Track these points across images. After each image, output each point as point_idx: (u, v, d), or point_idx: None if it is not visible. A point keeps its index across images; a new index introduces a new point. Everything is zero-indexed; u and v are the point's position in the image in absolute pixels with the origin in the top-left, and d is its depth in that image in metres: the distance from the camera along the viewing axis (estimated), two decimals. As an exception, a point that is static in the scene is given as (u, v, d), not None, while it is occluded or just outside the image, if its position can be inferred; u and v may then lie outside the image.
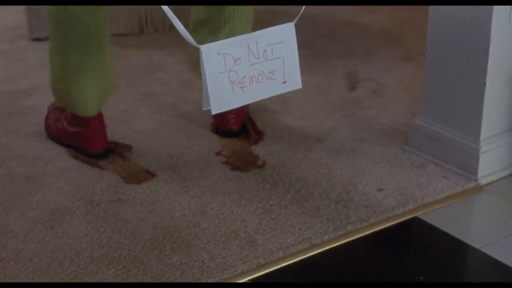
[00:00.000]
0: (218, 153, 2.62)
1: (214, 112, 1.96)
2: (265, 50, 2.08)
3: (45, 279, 2.01)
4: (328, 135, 2.73)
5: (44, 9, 3.63)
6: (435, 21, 2.48)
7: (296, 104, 2.97)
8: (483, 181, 2.46)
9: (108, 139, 2.64)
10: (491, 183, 2.48)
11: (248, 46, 2.03)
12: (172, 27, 3.75)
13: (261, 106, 2.88)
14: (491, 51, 2.37)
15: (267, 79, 2.07)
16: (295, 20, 2.04)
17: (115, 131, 2.77)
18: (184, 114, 2.91)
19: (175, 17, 1.87)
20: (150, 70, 3.32)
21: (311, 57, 3.41)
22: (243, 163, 2.54)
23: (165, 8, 1.89)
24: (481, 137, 2.45)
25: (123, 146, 2.65)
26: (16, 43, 3.67)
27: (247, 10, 2.55)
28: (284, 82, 2.10)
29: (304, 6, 2.08)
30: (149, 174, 2.49)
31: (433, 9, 2.48)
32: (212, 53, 1.97)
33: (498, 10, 2.33)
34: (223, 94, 1.98)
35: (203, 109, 1.94)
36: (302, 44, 3.49)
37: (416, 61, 3.37)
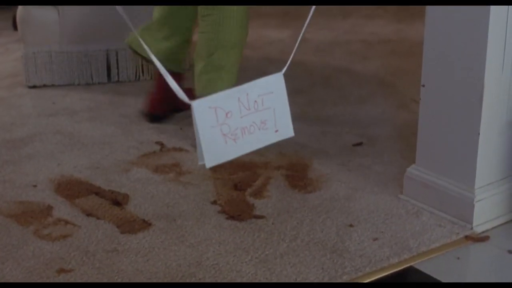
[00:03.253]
0: (214, 202, 2.63)
1: (208, 166, 1.97)
2: (255, 101, 2.10)
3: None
4: (323, 183, 2.75)
5: (40, 56, 3.66)
6: (429, 70, 2.51)
7: (290, 152, 2.98)
8: (478, 230, 2.47)
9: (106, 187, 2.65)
10: (486, 231, 2.48)
11: (238, 98, 2.04)
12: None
13: (255, 152, 2.89)
14: (484, 101, 2.39)
15: (259, 129, 2.08)
16: (284, 69, 2.06)
17: (111, 180, 2.78)
18: (179, 162, 2.92)
19: (167, 73, 1.89)
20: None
21: (306, 104, 3.44)
22: (239, 212, 2.55)
23: (158, 64, 1.91)
24: (476, 186, 2.46)
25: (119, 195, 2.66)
26: (13, 90, 3.69)
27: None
28: (276, 131, 2.10)
29: (290, 59, 2.09)
30: (145, 224, 2.50)
31: (426, 56, 2.51)
32: (204, 108, 1.98)
33: (492, 61, 2.36)
34: (217, 148, 1.99)
35: (199, 163, 1.95)
36: (297, 92, 3.54)
37: (409, 108, 3.39)
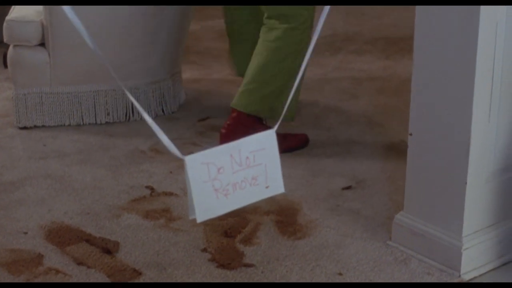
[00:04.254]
0: (204, 250, 2.64)
1: (199, 220, 1.99)
2: (247, 157, 2.12)
3: None
4: (312, 229, 2.77)
5: (31, 98, 3.68)
6: (416, 119, 2.54)
7: (280, 196, 3.00)
8: (465, 277, 2.49)
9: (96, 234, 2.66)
10: (474, 278, 2.51)
11: (231, 154, 2.06)
12: (157, 114, 3.81)
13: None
14: (471, 150, 2.42)
15: (250, 185, 2.10)
16: (276, 126, 2.09)
17: (102, 227, 2.80)
18: (170, 207, 2.94)
19: (159, 129, 1.91)
20: (135, 160, 3.36)
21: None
22: (229, 261, 2.56)
23: (149, 120, 1.93)
24: (463, 234, 2.49)
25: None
26: (3, 131, 3.70)
27: None
28: (267, 187, 2.13)
29: (281, 116, 2.10)
30: (136, 273, 2.51)
31: (414, 105, 2.54)
32: (197, 163, 2.00)
33: (478, 110, 2.39)
34: (208, 203, 2.01)
35: (190, 217, 1.97)
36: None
37: (398, 149, 3.42)
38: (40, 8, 3.72)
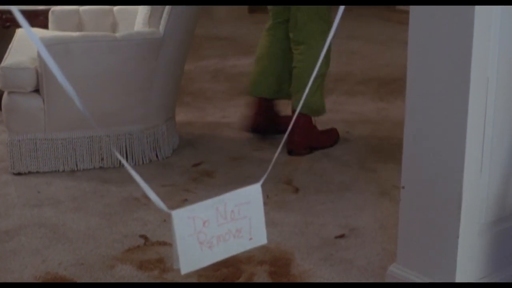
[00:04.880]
0: (198, 302, 2.65)
1: (183, 272, 2.00)
2: (232, 211, 2.14)
3: None
4: (306, 279, 2.78)
5: (25, 144, 3.69)
6: (408, 172, 2.56)
7: (273, 245, 3.02)
8: (459, 329, 2.50)
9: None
10: (467, 330, 2.51)
11: (217, 208, 2.09)
12: (151, 160, 3.83)
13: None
14: (463, 203, 2.43)
15: (234, 237, 2.12)
16: (261, 181, 2.11)
17: (95, 278, 2.80)
18: (164, 257, 2.94)
19: (145, 184, 1.92)
20: (129, 208, 3.37)
21: (289, 192, 3.48)
22: (223, 314, 2.57)
23: (133, 173, 1.93)
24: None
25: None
26: (-3, 177, 3.72)
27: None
28: (250, 239, 2.15)
29: (268, 170, 2.12)
30: (130, 327, 2.51)
31: (406, 159, 2.56)
32: (183, 217, 2.02)
33: (470, 163, 2.41)
34: (193, 255, 2.03)
35: (174, 267, 1.99)
36: (281, 180, 3.59)
37: (391, 195, 3.44)
38: (34, 55, 3.75)
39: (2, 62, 3.75)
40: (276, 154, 2.13)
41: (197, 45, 5.22)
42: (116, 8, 4.28)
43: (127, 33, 3.72)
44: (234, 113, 4.58)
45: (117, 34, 3.68)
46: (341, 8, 2.13)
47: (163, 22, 3.69)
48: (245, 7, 7.25)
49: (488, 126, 2.45)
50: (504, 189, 2.55)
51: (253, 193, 2.12)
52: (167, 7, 3.67)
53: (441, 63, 2.42)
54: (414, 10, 2.48)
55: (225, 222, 2.10)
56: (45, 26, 4.40)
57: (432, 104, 2.47)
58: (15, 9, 1.52)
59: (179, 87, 4.05)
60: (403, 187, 2.59)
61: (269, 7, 4.13)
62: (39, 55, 3.62)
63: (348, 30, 6.33)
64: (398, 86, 5.03)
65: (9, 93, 3.73)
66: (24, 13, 4.51)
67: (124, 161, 1.85)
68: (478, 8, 2.31)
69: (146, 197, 3.46)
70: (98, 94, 3.71)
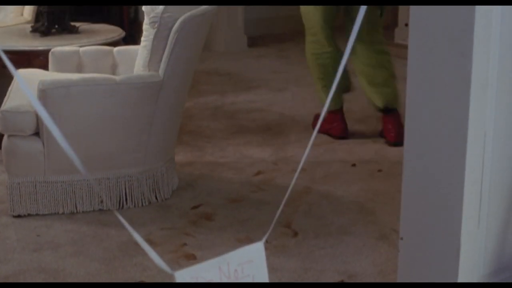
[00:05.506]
0: None
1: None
2: (236, 270, 2.15)
3: None
4: (305, 329, 2.78)
5: (25, 186, 3.70)
6: (407, 224, 2.57)
7: (273, 293, 3.02)
8: None
9: None
10: None
11: (219, 267, 2.10)
12: (150, 202, 3.84)
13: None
14: (461, 256, 2.45)
15: (237, 296, 2.13)
16: (264, 239, 2.12)
17: (95, 327, 2.80)
18: (163, 305, 2.95)
19: (148, 246, 1.92)
20: (129, 252, 3.37)
21: (288, 236, 3.49)
22: None
23: (137, 236, 1.94)
24: (455, 338, 2.51)
25: None
26: (-3, 219, 3.73)
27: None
28: (253, 296, 2.16)
29: (272, 225, 2.13)
30: None
31: (404, 210, 2.57)
32: (186, 278, 2.03)
33: (468, 216, 2.42)
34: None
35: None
36: (280, 223, 3.60)
37: (389, 239, 3.45)
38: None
39: (2, 106, 3.77)
40: (284, 201, 2.14)
41: (196, 80, 5.23)
42: (116, 49, 4.30)
43: (127, 76, 3.74)
44: (233, 152, 4.60)
45: (117, 78, 3.70)
46: (363, 8, 2.11)
47: (162, 65, 3.71)
48: (245, 40, 7.27)
49: (486, 180, 2.46)
50: (502, 240, 2.56)
51: (256, 251, 2.13)
52: (167, 51, 3.70)
53: (438, 117, 2.44)
54: (412, 57, 2.50)
55: (228, 281, 2.12)
56: (45, 66, 4.42)
57: (430, 156, 2.49)
58: (1, 53, 1.52)
59: (178, 128, 4.07)
60: (402, 239, 2.60)
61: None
62: (39, 97, 3.64)
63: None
64: (397, 123, 5.05)
65: (9, 136, 3.74)
66: (24, 53, 4.57)
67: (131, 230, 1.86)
68: (475, 59, 2.32)
69: (146, 240, 3.46)
70: (98, 137, 3.72)
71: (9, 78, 4.33)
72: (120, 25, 6.63)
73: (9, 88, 4.08)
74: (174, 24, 3.69)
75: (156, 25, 3.72)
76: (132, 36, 6.54)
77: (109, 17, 6.80)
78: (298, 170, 2.06)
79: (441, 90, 2.41)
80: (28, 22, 5.27)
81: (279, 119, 5.21)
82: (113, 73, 4.24)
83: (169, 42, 3.69)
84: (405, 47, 2.71)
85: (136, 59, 4.05)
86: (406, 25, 6.91)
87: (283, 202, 2.05)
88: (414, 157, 2.53)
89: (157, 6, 3.84)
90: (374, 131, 4.98)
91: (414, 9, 2.47)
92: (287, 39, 7.49)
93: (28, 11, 5.42)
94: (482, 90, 2.37)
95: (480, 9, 2.28)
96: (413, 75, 2.50)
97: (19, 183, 3.74)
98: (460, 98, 2.35)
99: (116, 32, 4.86)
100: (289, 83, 6.09)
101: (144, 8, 4.03)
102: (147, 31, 3.89)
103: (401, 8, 7.23)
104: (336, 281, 3.12)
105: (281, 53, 7.15)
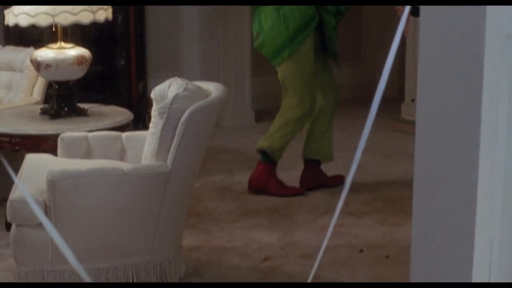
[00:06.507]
0: None
1: None
2: None
3: None
4: None
5: (32, 275, 3.71)
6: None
7: None
8: None
9: None
10: None
11: None
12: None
13: None
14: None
15: None
16: None
17: None
18: None
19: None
20: None
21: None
22: None
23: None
24: None
25: None
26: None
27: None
28: None
29: None
30: None
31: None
32: None
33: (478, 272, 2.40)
34: None
35: None
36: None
37: (398, 332, 3.43)
38: (43, 186, 3.78)
39: (11, 195, 3.79)
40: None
41: (203, 158, 5.26)
42: (124, 135, 4.34)
43: (135, 166, 3.77)
44: (241, 236, 4.60)
45: (125, 168, 3.73)
46: (407, 8, 2.10)
47: (171, 155, 3.74)
48: (252, 115, 7.32)
49: (495, 247, 2.44)
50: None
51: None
52: (175, 141, 3.73)
53: (446, 188, 2.43)
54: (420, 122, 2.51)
55: None
56: (54, 149, 4.44)
57: (440, 230, 2.47)
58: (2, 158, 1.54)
59: (186, 215, 4.08)
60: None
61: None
62: (48, 189, 3.66)
63: (353, 142, 6.37)
64: (404, 204, 5.05)
65: (17, 225, 3.76)
66: (34, 137, 4.61)
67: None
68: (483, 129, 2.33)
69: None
70: (106, 226, 3.74)
71: (18, 162, 4.37)
72: (129, 100, 6.70)
73: (18, 174, 4.10)
74: (182, 114, 3.73)
75: (164, 116, 3.75)
76: (140, 112, 6.60)
77: (118, 92, 6.87)
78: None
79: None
80: (37, 103, 5.31)
81: (286, 200, 5.22)
82: (122, 159, 4.27)
83: (177, 133, 3.72)
84: (411, 122, 2.74)
85: (144, 145, 4.09)
86: (413, 100, 6.98)
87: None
88: (422, 233, 2.52)
89: (165, 95, 3.88)
90: (379, 211, 4.99)
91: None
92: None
93: (37, 91, 5.46)
94: (490, 175, 2.37)
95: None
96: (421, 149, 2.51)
97: (26, 272, 3.75)
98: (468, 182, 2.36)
99: (124, 115, 4.90)
100: (296, 161, 6.10)
101: (152, 95, 4.09)
102: (156, 118, 3.93)
103: (407, 83, 7.27)
104: None
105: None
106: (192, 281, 4.00)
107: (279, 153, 5.28)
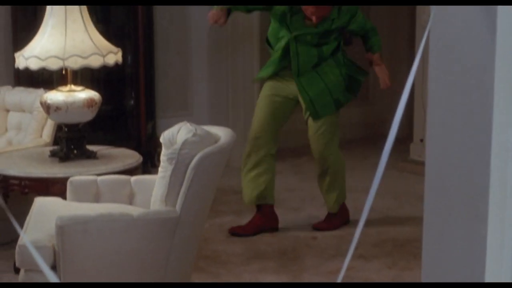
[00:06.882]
0: None
1: None
2: None
3: None
4: None
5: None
6: None
7: None
8: None
9: None
10: None
11: None
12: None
13: None
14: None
15: None
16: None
17: None
18: None
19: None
20: None
21: None
22: None
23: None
24: None
25: None
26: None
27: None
28: None
29: None
30: None
31: None
32: None
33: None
34: None
35: None
36: None
37: None
38: (52, 231, 3.78)
39: (19, 240, 3.79)
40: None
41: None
42: (133, 179, 4.34)
43: (144, 212, 3.78)
44: (249, 280, 4.59)
45: (134, 213, 3.74)
46: (433, 7, 2.07)
47: (179, 201, 3.74)
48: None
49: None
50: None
51: None
52: (184, 187, 3.73)
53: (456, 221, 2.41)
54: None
55: None
56: (63, 192, 4.45)
57: (450, 274, 2.45)
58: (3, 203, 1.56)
59: (194, 259, 4.08)
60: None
61: None
62: (57, 234, 3.66)
63: (363, 183, 6.37)
64: (413, 248, 5.04)
65: (26, 270, 3.76)
66: (43, 180, 4.61)
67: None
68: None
69: None
70: (114, 271, 3.74)
71: (27, 205, 4.38)
72: (138, 139, 6.72)
73: (27, 218, 4.10)
74: (191, 160, 3.74)
75: (173, 162, 3.76)
76: (149, 152, 6.61)
77: (127, 132, 6.89)
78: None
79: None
80: (46, 145, 5.33)
81: (295, 242, 5.21)
82: (131, 202, 4.28)
83: (186, 178, 3.73)
84: (420, 163, 2.73)
85: (153, 189, 4.09)
86: (421, 140, 6.98)
87: None
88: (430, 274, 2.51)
89: (175, 139, 3.89)
90: (389, 254, 4.98)
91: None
92: (302, 153, 7.51)
93: (47, 132, 5.48)
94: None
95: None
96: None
97: (34, 318, 3.74)
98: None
99: (133, 157, 4.90)
100: (305, 202, 6.11)
101: (162, 139, 4.09)
102: (165, 163, 3.94)
103: (416, 123, 7.28)
104: None
105: (296, 168, 7.18)
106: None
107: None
